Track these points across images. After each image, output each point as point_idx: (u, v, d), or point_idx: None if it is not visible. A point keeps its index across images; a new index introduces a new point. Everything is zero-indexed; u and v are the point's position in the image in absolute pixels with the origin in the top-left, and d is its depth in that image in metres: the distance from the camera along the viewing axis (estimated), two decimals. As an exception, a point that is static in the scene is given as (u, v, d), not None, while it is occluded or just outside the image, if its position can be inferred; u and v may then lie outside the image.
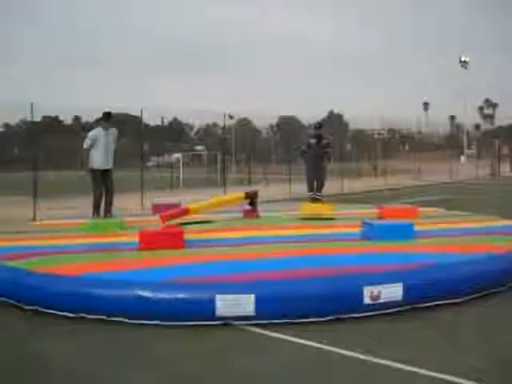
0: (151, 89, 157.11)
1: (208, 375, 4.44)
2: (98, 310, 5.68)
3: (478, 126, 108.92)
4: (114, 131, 9.93)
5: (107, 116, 9.82)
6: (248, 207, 11.01)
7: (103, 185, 9.80)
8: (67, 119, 71.08)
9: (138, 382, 4.33)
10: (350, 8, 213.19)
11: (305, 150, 13.00)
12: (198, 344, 5.10)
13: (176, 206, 12.23)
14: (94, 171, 9.83)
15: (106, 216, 9.92)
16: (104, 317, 5.65)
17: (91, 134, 10.02)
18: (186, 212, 9.84)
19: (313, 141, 12.71)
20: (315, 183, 12.80)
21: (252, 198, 11.09)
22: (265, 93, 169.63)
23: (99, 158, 9.77)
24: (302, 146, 13.24)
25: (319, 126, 13.15)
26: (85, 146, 9.85)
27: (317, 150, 12.63)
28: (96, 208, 10.02)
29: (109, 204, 10.07)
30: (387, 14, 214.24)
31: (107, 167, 9.77)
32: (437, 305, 5.92)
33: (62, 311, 5.83)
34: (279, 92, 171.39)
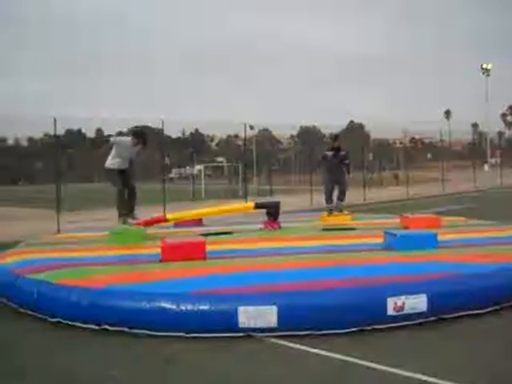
0: (174, 100, 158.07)
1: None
2: (121, 322, 5.70)
3: (501, 134, 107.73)
4: (139, 148, 10.08)
5: (139, 135, 10.01)
6: (267, 218, 10.99)
7: (122, 181, 9.95)
8: (90, 132, 72.03)
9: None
10: (372, 13, 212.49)
11: (320, 161, 13.21)
12: (220, 356, 5.09)
13: (198, 218, 12.27)
14: (110, 171, 9.98)
15: (129, 213, 10.02)
16: (126, 329, 5.67)
17: (121, 138, 10.41)
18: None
19: (329, 153, 12.77)
20: (335, 193, 12.83)
21: (270, 209, 11.06)
22: (285, 103, 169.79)
23: (118, 161, 9.93)
24: (319, 158, 13.43)
25: (336, 137, 13.23)
26: (112, 140, 10.21)
27: (334, 161, 12.67)
28: (120, 208, 10.09)
29: (132, 201, 10.19)
30: (411, 19, 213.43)
31: (123, 167, 9.94)
32: (462, 316, 5.84)
33: (85, 323, 5.87)
34: (300, 102, 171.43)
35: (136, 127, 10.37)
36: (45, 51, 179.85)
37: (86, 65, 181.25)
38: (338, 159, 12.68)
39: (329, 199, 12.76)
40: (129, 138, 10.12)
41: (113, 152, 9.98)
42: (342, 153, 12.78)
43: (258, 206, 11.30)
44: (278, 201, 11.82)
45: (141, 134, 10.10)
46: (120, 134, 10.42)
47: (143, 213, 19.18)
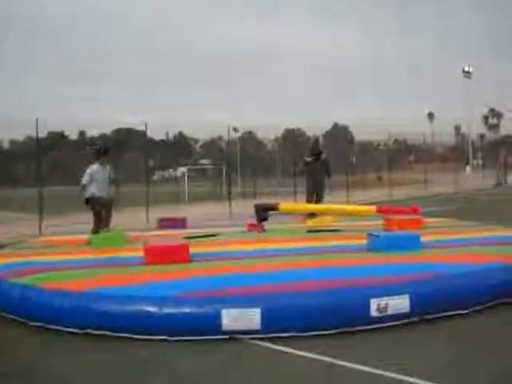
0: (155, 101, 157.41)
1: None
2: (104, 326, 5.66)
3: (482, 136, 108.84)
4: (108, 168, 9.92)
5: (106, 151, 9.79)
6: (253, 221, 11.02)
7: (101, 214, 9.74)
8: (72, 134, 71.63)
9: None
10: (348, 19, 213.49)
11: (303, 168, 13.69)
12: (203, 359, 5.07)
13: (181, 220, 12.27)
14: (92, 200, 9.80)
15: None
16: (109, 332, 5.63)
17: (90, 170, 10.09)
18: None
19: (309, 159, 13.23)
20: (314, 198, 13.16)
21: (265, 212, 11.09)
22: (269, 105, 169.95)
23: (97, 189, 9.77)
24: (300, 165, 14.01)
25: (316, 142, 14.00)
26: (83, 181, 9.98)
27: (316, 166, 13.08)
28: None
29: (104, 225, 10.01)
30: (386, 22, 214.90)
31: (103, 195, 9.69)
32: (445, 316, 5.88)
33: (67, 327, 5.82)
34: (284, 104, 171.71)
35: (94, 146, 10.09)
36: (33, 50, 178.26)
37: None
38: (319, 164, 13.09)
39: (310, 203, 13.00)
40: (97, 164, 10.00)
41: (91, 183, 9.91)
42: (323, 156, 13.26)
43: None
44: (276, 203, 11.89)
45: (102, 149, 9.86)
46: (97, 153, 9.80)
47: (127, 217, 19.13)
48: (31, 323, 6.09)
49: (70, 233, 12.79)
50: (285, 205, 12.13)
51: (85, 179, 9.90)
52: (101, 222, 9.79)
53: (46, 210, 16.42)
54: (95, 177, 9.92)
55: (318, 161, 13.12)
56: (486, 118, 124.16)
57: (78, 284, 6.32)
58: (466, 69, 68.16)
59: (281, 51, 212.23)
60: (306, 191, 13.45)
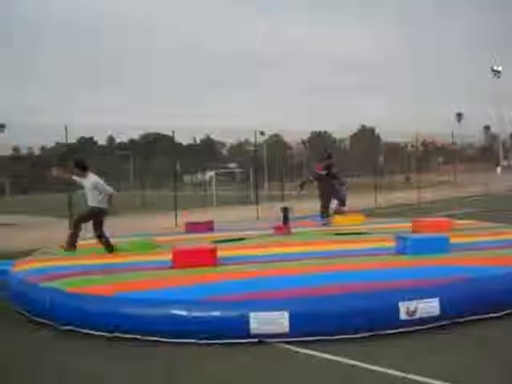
0: (180, 106, 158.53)
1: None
2: (133, 330, 5.72)
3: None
4: (89, 180, 9.30)
5: (82, 166, 9.38)
6: (280, 223, 11.06)
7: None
8: (101, 139, 72.64)
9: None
10: (374, 14, 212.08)
11: (312, 180, 14.02)
12: (231, 362, 5.08)
13: (208, 224, 12.32)
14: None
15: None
16: (138, 336, 5.68)
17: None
18: None
19: (323, 172, 13.54)
20: (332, 206, 13.89)
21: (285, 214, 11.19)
22: (292, 106, 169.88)
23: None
24: (311, 177, 14.19)
25: (328, 156, 13.99)
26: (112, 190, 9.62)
27: (327, 178, 13.48)
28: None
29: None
30: (413, 21, 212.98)
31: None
32: (476, 319, 5.80)
33: (97, 331, 5.89)
34: (306, 105, 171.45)
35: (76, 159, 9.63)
36: (50, 56, 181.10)
37: (88, 72, 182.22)
38: (330, 176, 13.52)
39: (324, 214, 13.38)
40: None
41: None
42: (334, 170, 13.66)
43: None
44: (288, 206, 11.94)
45: (78, 164, 9.48)
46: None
47: (156, 221, 19.27)
48: (62, 327, 6.18)
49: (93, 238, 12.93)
50: None
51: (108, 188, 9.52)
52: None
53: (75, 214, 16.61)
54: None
55: (328, 175, 13.55)
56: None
57: (107, 288, 6.39)
58: (495, 68, 67.15)
59: (303, 50, 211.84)
60: (321, 203, 13.66)
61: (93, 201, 9.19)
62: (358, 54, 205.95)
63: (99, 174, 9.79)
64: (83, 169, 9.35)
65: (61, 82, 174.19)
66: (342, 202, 13.91)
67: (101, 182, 9.29)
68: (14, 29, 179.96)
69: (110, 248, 9.25)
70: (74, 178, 9.44)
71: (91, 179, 9.24)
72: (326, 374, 4.68)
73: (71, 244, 9.15)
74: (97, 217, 9.27)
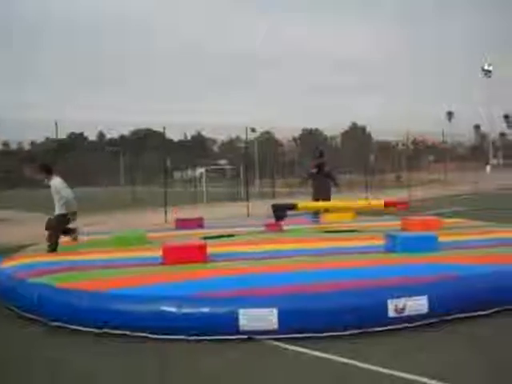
0: (175, 104, 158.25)
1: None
2: (122, 326, 5.72)
3: (503, 135, 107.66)
4: (52, 184, 9.24)
5: (46, 169, 9.34)
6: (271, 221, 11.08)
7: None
8: (91, 135, 72.37)
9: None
10: (371, 13, 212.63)
11: (307, 178, 14.30)
12: (221, 359, 5.09)
13: (198, 220, 12.33)
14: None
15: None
16: (127, 332, 5.68)
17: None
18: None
19: (314, 170, 13.82)
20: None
21: (282, 212, 11.20)
22: (287, 105, 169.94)
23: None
24: (305, 174, 14.49)
25: (320, 154, 14.25)
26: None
27: (319, 177, 13.75)
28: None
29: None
30: (408, 21, 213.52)
31: (55, 212, 9.26)
32: (464, 317, 5.84)
33: (85, 327, 5.88)
34: (301, 104, 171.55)
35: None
36: (47, 55, 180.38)
37: (87, 68, 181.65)
38: (322, 175, 13.76)
39: (316, 212, 13.62)
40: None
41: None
42: (326, 169, 13.91)
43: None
44: (291, 203, 11.97)
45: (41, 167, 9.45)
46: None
47: (146, 217, 19.25)
48: (51, 323, 6.17)
49: (90, 232, 12.91)
50: (304, 203, 12.34)
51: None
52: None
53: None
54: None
55: (320, 172, 13.77)
56: (506, 116, 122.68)
57: (96, 284, 6.38)
58: (486, 67, 67.48)
59: (299, 49, 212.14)
60: (313, 200, 13.98)
61: (57, 207, 9.17)
62: (354, 53, 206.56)
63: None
64: (47, 172, 9.31)
65: (59, 80, 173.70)
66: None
67: (59, 186, 9.17)
68: (14, 28, 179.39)
69: (52, 247, 9.09)
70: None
71: (53, 182, 9.20)
72: (316, 372, 4.70)
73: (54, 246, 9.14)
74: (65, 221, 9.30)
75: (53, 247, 9.05)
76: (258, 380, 4.61)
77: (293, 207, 11.34)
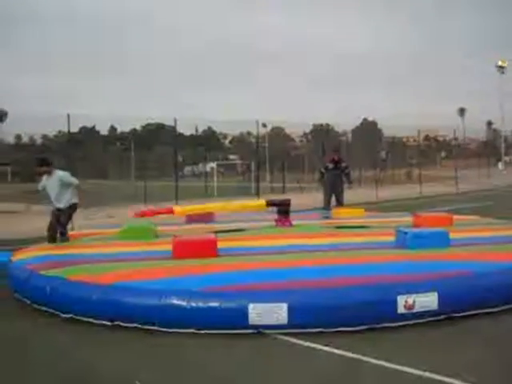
0: (184, 99, 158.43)
1: (240, 384, 4.45)
2: (133, 319, 5.75)
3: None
4: (55, 177, 9.26)
5: (41, 163, 9.36)
6: (276, 216, 11.08)
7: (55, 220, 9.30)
8: (103, 130, 72.64)
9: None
10: (374, 7, 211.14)
11: (323, 173, 14.22)
12: (230, 353, 5.12)
13: (209, 214, 12.34)
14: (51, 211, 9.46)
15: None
16: (138, 325, 5.71)
17: (41, 183, 9.58)
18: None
19: (331, 165, 13.90)
20: (333, 201, 14.07)
21: (285, 207, 11.20)
22: (296, 101, 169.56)
23: (52, 199, 9.37)
24: (322, 169, 14.36)
25: (336, 149, 14.67)
26: (38, 188, 9.60)
27: (335, 172, 13.86)
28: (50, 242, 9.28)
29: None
30: (418, 16, 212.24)
31: (60, 206, 9.26)
32: (474, 314, 5.82)
33: (98, 319, 5.93)
34: (310, 99, 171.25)
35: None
36: (69, 50, 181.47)
37: (111, 65, 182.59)
38: (338, 170, 13.87)
39: (326, 206, 13.91)
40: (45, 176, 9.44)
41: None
42: (343, 164, 13.98)
43: (269, 204, 11.50)
44: (288, 198, 11.97)
45: (38, 161, 9.51)
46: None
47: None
48: (63, 315, 6.21)
49: (101, 225, 12.98)
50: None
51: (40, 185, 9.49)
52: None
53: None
54: (46, 189, 9.42)
55: (337, 168, 13.84)
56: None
57: (107, 277, 6.41)
58: (500, 63, 66.87)
59: (308, 44, 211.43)
60: (324, 196, 14.23)
61: (65, 198, 9.25)
62: (359, 48, 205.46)
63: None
64: (48, 165, 9.32)
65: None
66: (340, 204, 14.02)
67: (68, 175, 9.39)
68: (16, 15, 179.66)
69: (65, 238, 9.25)
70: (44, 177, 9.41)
71: (59, 174, 9.29)
72: (325, 366, 4.71)
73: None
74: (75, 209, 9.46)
75: (66, 238, 9.20)
76: (268, 374, 4.62)
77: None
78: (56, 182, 9.22)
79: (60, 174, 9.33)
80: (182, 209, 11.89)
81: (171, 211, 11.26)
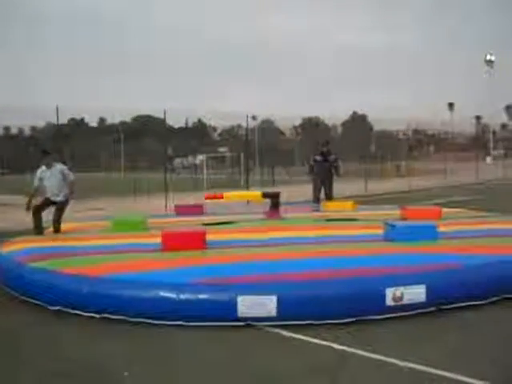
0: (177, 90, 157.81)
1: (228, 376, 4.46)
2: (122, 311, 5.75)
3: (504, 126, 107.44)
4: (56, 169, 9.33)
5: (44, 154, 9.40)
6: (269, 208, 11.12)
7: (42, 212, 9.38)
8: (92, 121, 72.29)
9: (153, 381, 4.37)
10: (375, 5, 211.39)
11: (313, 166, 14.27)
12: (219, 345, 5.13)
13: (198, 207, 12.35)
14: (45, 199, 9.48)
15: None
16: (126, 317, 5.71)
17: (37, 173, 9.54)
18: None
19: (319, 158, 13.99)
20: (322, 195, 14.17)
21: (275, 199, 11.27)
22: (287, 94, 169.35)
23: (48, 191, 9.39)
24: (311, 162, 14.41)
25: (325, 143, 14.45)
26: (34, 185, 9.49)
27: (325, 165, 13.92)
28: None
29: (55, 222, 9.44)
30: (413, 12, 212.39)
31: (57, 199, 9.34)
32: (461, 307, 5.86)
33: (85, 312, 5.91)
34: (301, 93, 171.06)
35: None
36: (68, 49, 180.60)
37: (110, 63, 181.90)
38: (327, 163, 13.93)
39: (315, 199, 14.00)
40: (42, 167, 9.42)
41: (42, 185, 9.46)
42: (332, 157, 14.03)
43: (264, 196, 11.66)
44: (278, 191, 12.04)
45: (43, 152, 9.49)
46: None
47: (146, 203, 19.26)
48: (51, 307, 6.19)
49: (90, 218, 12.93)
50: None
51: (35, 183, 9.43)
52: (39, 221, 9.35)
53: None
54: (43, 181, 9.40)
55: (326, 161, 13.91)
56: (508, 107, 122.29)
57: (96, 269, 6.40)
58: (488, 57, 67.16)
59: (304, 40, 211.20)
60: (313, 188, 14.25)
61: (62, 192, 9.34)
62: (357, 43, 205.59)
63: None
64: (49, 157, 9.39)
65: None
66: (329, 197, 14.10)
67: (67, 170, 9.52)
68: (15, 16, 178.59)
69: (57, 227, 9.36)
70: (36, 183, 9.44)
71: (59, 167, 9.40)
72: (314, 358, 4.73)
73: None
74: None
75: (58, 227, 9.31)
76: (257, 365, 4.64)
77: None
78: (58, 175, 9.24)
79: (61, 167, 9.36)
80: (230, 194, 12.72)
81: (222, 196, 11.88)
